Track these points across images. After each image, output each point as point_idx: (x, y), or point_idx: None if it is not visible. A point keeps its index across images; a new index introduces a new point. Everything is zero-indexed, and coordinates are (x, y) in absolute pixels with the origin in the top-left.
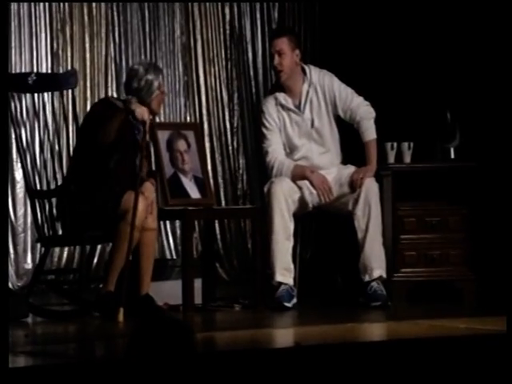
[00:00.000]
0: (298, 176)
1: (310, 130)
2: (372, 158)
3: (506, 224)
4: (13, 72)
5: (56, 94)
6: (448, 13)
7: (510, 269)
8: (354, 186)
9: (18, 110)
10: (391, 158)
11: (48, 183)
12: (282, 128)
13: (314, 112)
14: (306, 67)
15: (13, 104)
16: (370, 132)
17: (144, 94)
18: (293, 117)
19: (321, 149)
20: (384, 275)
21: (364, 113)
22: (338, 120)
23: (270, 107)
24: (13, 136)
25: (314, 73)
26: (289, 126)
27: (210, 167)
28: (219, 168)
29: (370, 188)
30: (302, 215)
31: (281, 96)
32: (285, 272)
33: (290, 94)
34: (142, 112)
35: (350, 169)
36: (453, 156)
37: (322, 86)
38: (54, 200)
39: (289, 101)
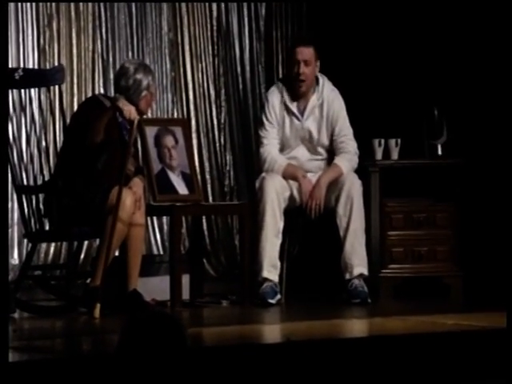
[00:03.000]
0: (289, 176)
1: (307, 138)
2: (328, 173)
3: (493, 220)
4: None
5: (43, 88)
6: (434, 10)
7: (510, 265)
8: (309, 211)
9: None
10: (378, 155)
11: (35, 178)
12: (280, 124)
13: (315, 125)
14: (320, 77)
15: None
16: (343, 163)
17: (132, 93)
18: (293, 120)
19: (312, 156)
20: (365, 273)
21: (351, 153)
22: None
23: (275, 100)
24: None
25: (327, 88)
26: (287, 127)
27: (197, 163)
28: (206, 164)
29: (352, 185)
30: (290, 210)
31: (287, 97)
32: (271, 269)
33: (298, 98)
34: (129, 110)
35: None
36: (440, 153)
37: (330, 105)
38: (41, 195)
39: (294, 104)
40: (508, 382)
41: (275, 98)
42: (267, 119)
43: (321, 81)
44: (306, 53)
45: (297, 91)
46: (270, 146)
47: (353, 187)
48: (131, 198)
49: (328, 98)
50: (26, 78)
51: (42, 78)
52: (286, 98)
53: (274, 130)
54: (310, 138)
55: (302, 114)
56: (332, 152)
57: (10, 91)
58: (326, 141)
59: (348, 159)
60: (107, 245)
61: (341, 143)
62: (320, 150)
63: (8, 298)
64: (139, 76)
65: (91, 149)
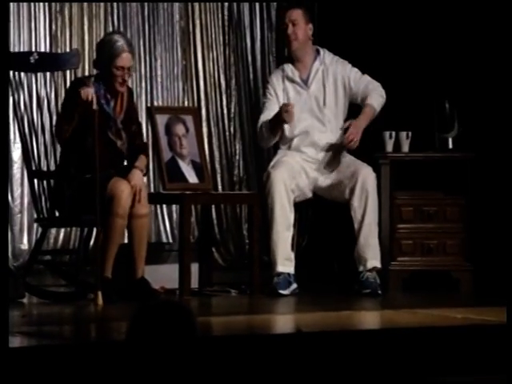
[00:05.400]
0: (275, 121)
1: (314, 106)
2: (362, 116)
3: (503, 215)
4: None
5: (55, 73)
6: (446, 2)
7: (510, 260)
8: (347, 143)
9: (20, 88)
10: (389, 147)
11: (48, 163)
12: (281, 101)
13: (321, 90)
14: (321, 49)
15: (14, 83)
16: (372, 100)
17: (98, 58)
18: (298, 90)
19: (322, 127)
20: (379, 266)
21: (377, 88)
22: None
23: (275, 80)
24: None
25: (328, 56)
26: (292, 99)
27: (207, 152)
28: (216, 153)
29: (367, 178)
30: (300, 202)
31: (288, 68)
32: (286, 262)
33: (299, 66)
34: (86, 93)
35: (348, 158)
36: (451, 146)
37: (335, 71)
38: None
39: (296, 74)
40: None
41: (274, 78)
42: (266, 98)
43: (321, 51)
44: (293, 14)
45: (290, 54)
46: (265, 118)
47: (368, 180)
48: (127, 191)
49: (331, 63)
50: (40, 61)
51: (57, 61)
52: (287, 70)
53: (274, 106)
54: (317, 105)
55: (306, 82)
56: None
57: (24, 74)
58: (333, 107)
59: (378, 94)
60: (109, 241)
61: (364, 88)
62: (330, 117)
63: (7, 284)
64: (108, 37)
65: (63, 140)
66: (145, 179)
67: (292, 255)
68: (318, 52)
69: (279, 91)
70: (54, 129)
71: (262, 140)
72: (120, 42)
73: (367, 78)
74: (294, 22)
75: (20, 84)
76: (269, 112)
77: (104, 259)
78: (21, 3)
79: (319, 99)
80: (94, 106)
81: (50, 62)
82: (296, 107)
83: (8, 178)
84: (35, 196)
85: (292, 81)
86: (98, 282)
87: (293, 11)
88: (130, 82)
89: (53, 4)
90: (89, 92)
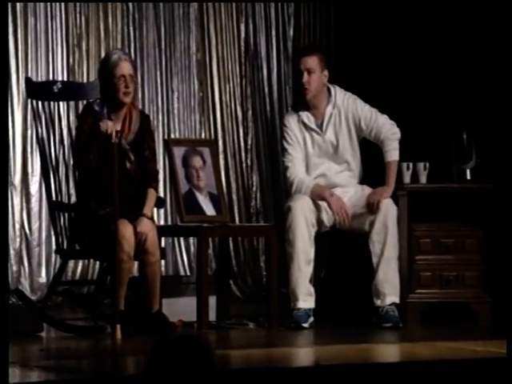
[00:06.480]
0: (316, 196)
1: (330, 150)
2: (389, 180)
3: None
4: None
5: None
6: (465, 33)
7: (509, 295)
8: (371, 208)
9: (42, 118)
10: (407, 178)
11: (69, 194)
12: (302, 145)
13: (336, 134)
14: (332, 88)
15: (36, 113)
16: (391, 153)
17: (100, 75)
18: (314, 136)
19: (340, 168)
20: (397, 301)
21: (388, 132)
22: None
23: (292, 123)
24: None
25: (339, 95)
26: (309, 145)
27: (224, 184)
28: (233, 185)
29: (388, 211)
30: (317, 235)
31: (303, 114)
32: (307, 297)
33: (313, 112)
34: (105, 125)
35: (367, 190)
36: (469, 177)
37: (347, 109)
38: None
39: (311, 120)
40: None
41: (291, 120)
42: (288, 143)
43: (333, 91)
44: (309, 61)
45: (305, 102)
46: (296, 168)
47: (389, 214)
48: (128, 235)
49: (343, 103)
50: (64, 91)
51: (80, 91)
52: (303, 116)
53: (297, 151)
54: (333, 149)
55: (321, 127)
56: (360, 165)
57: (48, 103)
58: (349, 148)
59: (393, 141)
60: (119, 281)
61: (376, 132)
62: (347, 158)
63: (7, 318)
64: (103, 57)
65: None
66: (158, 211)
67: (312, 289)
68: (329, 92)
69: (299, 136)
70: (74, 159)
71: (293, 191)
72: (116, 54)
73: (379, 118)
74: (310, 70)
75: (43, 114)
76: (296, 160)
77: (119, 295)
78: (38, 36)
79: (335, 144)
80: (113, 140)
81: (73, 92)
82: (313, 152)
83: (7, 191)
84: (56, 227)
85: (309, 128)
86: (115, 315)
87: (308, 59)
88: (147, 111)
89: (70, 37)
90: (108, 125)
